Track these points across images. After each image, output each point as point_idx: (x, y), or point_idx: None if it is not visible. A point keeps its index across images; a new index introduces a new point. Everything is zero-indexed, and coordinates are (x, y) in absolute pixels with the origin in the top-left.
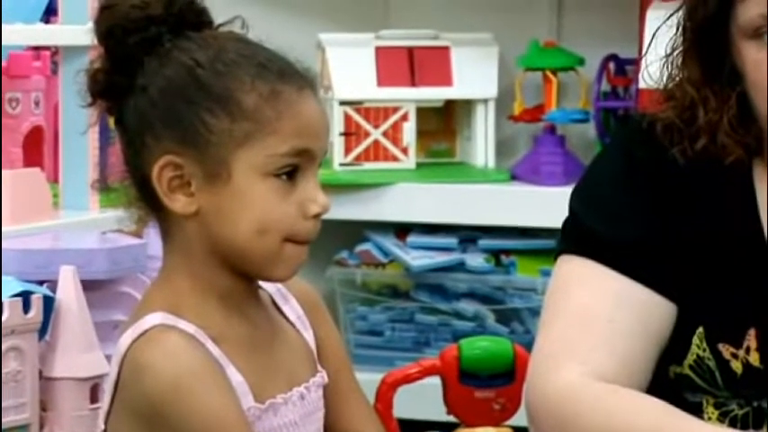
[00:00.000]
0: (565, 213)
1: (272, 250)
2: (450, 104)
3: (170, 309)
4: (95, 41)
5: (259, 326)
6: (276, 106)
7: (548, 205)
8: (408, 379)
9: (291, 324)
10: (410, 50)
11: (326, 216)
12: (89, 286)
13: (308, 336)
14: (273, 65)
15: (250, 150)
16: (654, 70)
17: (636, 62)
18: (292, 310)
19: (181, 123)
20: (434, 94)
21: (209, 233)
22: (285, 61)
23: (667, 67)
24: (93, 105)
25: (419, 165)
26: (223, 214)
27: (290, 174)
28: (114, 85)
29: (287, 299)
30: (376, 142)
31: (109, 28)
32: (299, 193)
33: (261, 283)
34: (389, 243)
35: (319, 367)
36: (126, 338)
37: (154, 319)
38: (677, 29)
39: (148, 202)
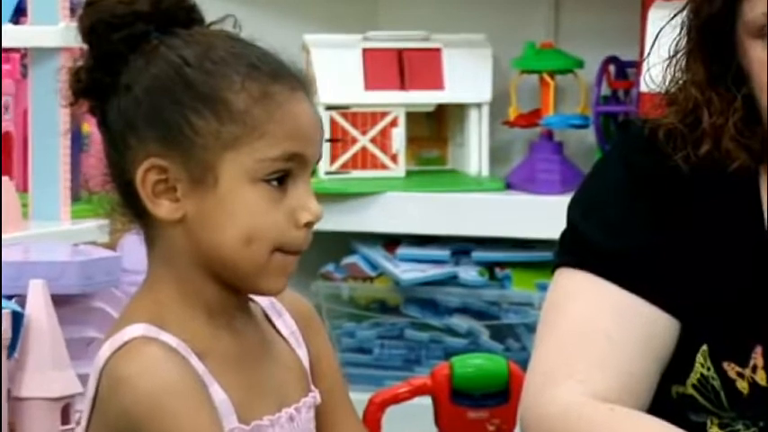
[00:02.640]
0: (562, 224)
1: (260, 260)
2: (441, 109)
3: (153, 320)
4: (68, 42)
5: (248, 341)
6: (267, 108)
7: (544, 215)
8: (398, 398)
9: (284, 340)
10: (399, 52)
11: None
12: (60, 301)
13: (302, 353)
14: (265, 65)
15: (238, 154)
16: (656, 73)
17: (637, 65)
18: (285, 325)
19: (166, 124)
20: (425, 98)
21: (195, 241)
22: (278, 61)
23: (670, 70)
24: (75, 105)
25: (409, 173)
26: (209, 221)
27: (281, 180)
28: (97, 83)
29: (280, 313)
30: (363, 149)
31: (93, 24)
32: (289, 200)
33: (253, 295)
34: (378, 255)
35: (312, 387)
36: (105, 350)
37: (135, 330)
38: (681, 29)
39: (132, 208)
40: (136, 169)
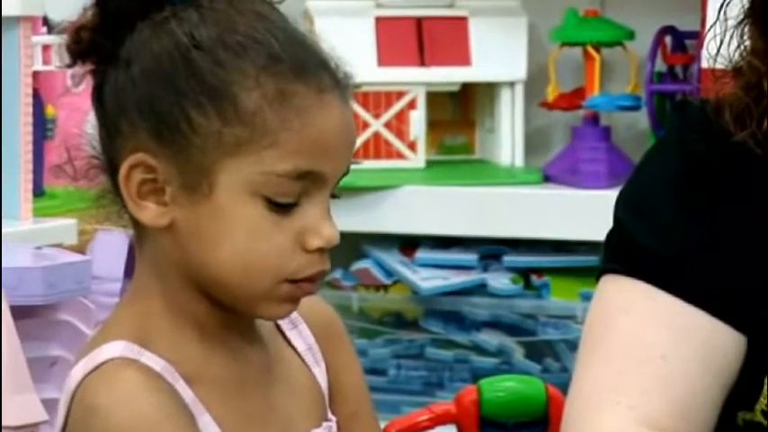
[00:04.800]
0: (609, 223)
1: (260, 289)
2: (468, 89)
3: (137, 336)
4: (31, 10)
5: (249, 363)
6: (282, 112)
7: (589, 213)
8: (417, 428)
9: (299, 356)
10: (419, 21)
11: None
12: (21, 313)
13: (319, 371)
14: (290, 57)
15: (240, 163)
16: (718, 44)
17: (698, 36)
18: (301, 337)
19: (160, 116)
20: (449, 75)
21: (185, 254)
22: (309, 51)
23: (735, 39)
24: (72, 67)
25: (430, 163)
26: (201, 236)
27: (290, 204)
28: (98, 48)
29: (295, 324)
30: (376, 135)
31: None
32: (298, 220)
33: None
34: (393, 260)
35: (329, 414)
36: (77, 371)
37: (113, 349)
38: None
39: (122, 197)
40: (123, 159)
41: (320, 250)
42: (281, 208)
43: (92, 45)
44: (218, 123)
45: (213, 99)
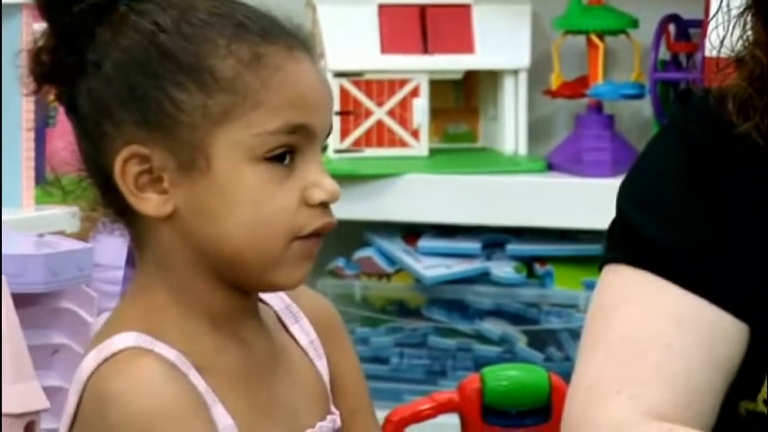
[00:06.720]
0: (612, 212)
1: (274, 253)
2: (471, 76)
3: (146, 328)
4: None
5: (257, 354)
6: (260, 73)
7: (592, 202)
8: (419, 417)
9: (302, 350)
10: (422, 9)
11: None
12: (23, 301)
13: (322, 365)
14: (255, 23)
15: (231, 129)
16: (721, 35)
17: (702, 24)
18: (304, 332)
19: (143, 103)
20: (452, 63)
21: (192, 238)
22: (270, 18)
23: (738, 28)
24: (39, 93)
25: (433, 151)
26: (206, 213)
27: (284, 156)
28: (62, 65)
29: (297, 318)
30: (379, 123)
31: None
32: (298, 179)
33: (264, 296)
34: (396, 248)
35: (332, 407)
36: (89, 362)
37: (125, 339)
38: None
39: (113, 205)
40: (113, 160)
41: (322, 205)
42: (281, 163)
43: (55, 64)
44: (200, 96)
45: (191, 74)
